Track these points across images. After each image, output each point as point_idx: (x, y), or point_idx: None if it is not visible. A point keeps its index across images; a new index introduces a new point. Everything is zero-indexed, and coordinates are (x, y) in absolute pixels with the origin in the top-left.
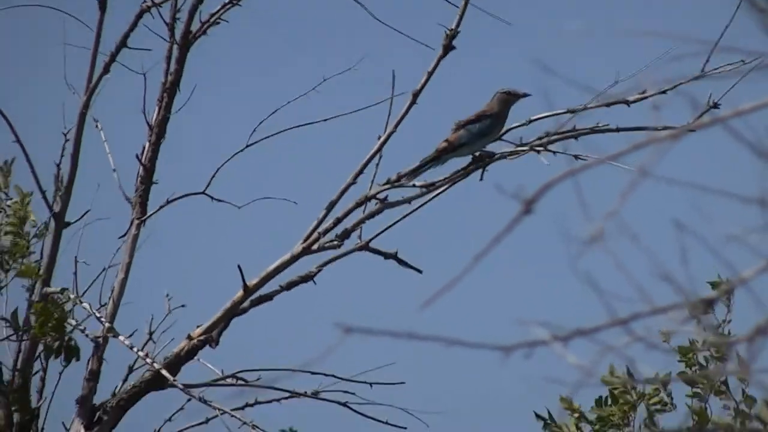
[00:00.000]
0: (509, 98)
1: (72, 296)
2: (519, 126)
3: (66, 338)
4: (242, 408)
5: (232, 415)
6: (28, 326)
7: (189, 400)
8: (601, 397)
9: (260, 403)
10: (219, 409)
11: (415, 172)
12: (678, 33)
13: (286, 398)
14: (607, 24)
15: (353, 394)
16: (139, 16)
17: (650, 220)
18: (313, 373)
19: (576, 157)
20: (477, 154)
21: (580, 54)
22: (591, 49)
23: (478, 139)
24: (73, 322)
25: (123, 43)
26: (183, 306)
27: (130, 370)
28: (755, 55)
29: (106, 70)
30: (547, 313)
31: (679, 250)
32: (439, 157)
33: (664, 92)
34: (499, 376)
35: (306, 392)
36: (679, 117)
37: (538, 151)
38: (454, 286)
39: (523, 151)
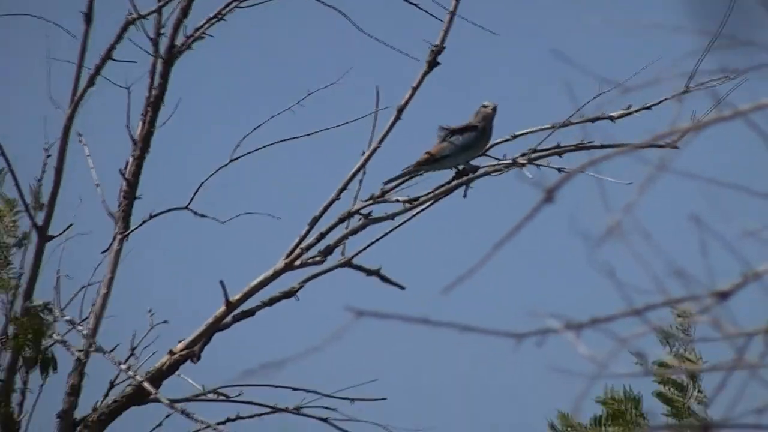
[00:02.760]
0: (492, 113)
1: (54, 310)
2: (503, 141)
3: (43, 350)
4: (224, 422)
5: (215, 429)
6: (5, 338)
7: (168, 416)
8: (598, 416)
9: (242, 418)
10: (203, 423)
11: (395, 180)
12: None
13: (268, 413)
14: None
15: (335, 410)
16: (125, 28)
17: (667, 216)
18: (294, 389)
19: (559, 170)
20: (461, 167)
21: (589, 48)
22: (601, 43)
23: (461, 152)
24: (56, 337)
25: (108, 56)
26: (165, 322)
27: (112, 385)
28: (739, 71)
29: (91, 82)
30: (561, 304)
31: (695, 245)
32: (419, 169)
33: (648, 108)
34: (488, 394)
35: (288, 407)
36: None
37: (522, 165)
38: (474, 274)
39: (507, 166)
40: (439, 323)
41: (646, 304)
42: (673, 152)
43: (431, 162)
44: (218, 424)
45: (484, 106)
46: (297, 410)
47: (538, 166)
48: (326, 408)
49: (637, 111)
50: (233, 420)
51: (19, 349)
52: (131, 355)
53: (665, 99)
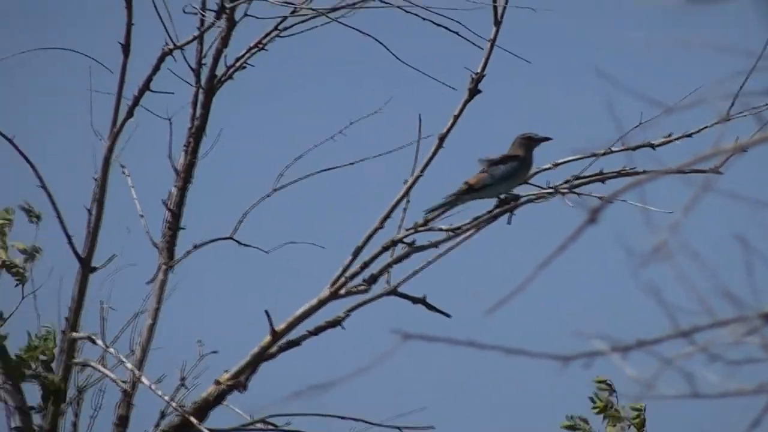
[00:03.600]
0: (530, 143)
1: (99, 342)
2: (545, 170)
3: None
4: None
5: None
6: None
7: None
8: None
9: None
10: None
11: (436, 210)
12: (732, 47)
13: None
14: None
15: None
16: (161, 59)
17: (713, 236)
18: (342, 417)
19: (600, 198)
20: (502, 196)
21: (632, 66)
22: (644, 62)
23: (503, 181)
24: (99, 366)
25: (146, 87)
26: (215, 352)
27: (162, 415)
28: None
29: (130, 113)
30: (608, 325)
31: (742, 265)
32: (459, 198)
33: (689, 136)
34: (536, 418)
35: None
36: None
37: (564, 194)
38: (517, 294)
39: (549, 194)
40: (484, 346)
41: (693, 326)
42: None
43: (472, 192)
44: None
45: (522, 137)
46: None
47: (580, 194)
48: None
49: (677, 139)
50: None
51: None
52: (181, 385)
53: (706, 127)
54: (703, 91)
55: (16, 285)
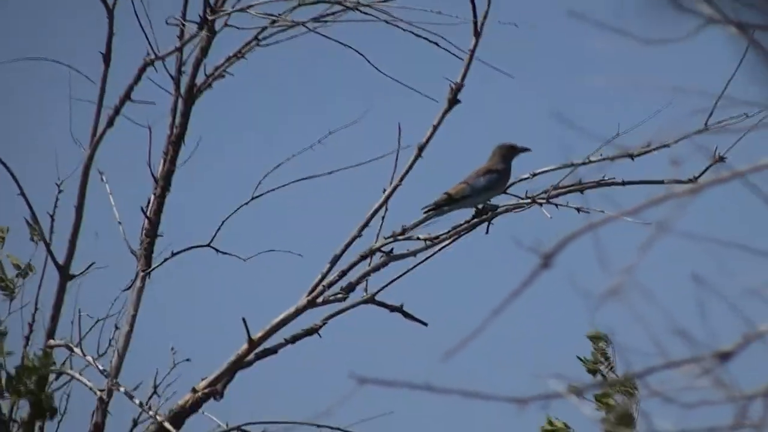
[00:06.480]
0: (510, 153)
1: (74, 349)
2: (524, 179)
3: (43, 397)
4: None
5: None
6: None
7: None
8: None
9: None
10: None
11: (419, 225)
12: (689, 87)
13: None
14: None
15: None
16: (143, 69)
17: (668, 275)
18: (318, 426)
19: (578, 210)
20: (480, 206)
21: (593, 107)
22: (604, 103)
23: (482, 193)
24: (77, 375)
25: (127, 96)
26: (188, 360)
27: (135, 423)
28: (758, 107)
29: (110, 123)
30: (564, 367)
31: (697, 304)
32: (440, 210)
33: (667, 146)
34: None
35: None
36: (686, 170)
37: (541, 204)
38: (473, 339)
39: (527, 204)
40: (442, 390)
41: (647, 368)
42: (675, 211)
43: (451, 202)
44: None
45: (501, 147)
46: None
47: (557, 205)
48: None
49: (656, 149)
50: None
51: (18, 396)
52: (154, 393)
53: (684, 137)
54: (661, 132)
55: (4, 299)
